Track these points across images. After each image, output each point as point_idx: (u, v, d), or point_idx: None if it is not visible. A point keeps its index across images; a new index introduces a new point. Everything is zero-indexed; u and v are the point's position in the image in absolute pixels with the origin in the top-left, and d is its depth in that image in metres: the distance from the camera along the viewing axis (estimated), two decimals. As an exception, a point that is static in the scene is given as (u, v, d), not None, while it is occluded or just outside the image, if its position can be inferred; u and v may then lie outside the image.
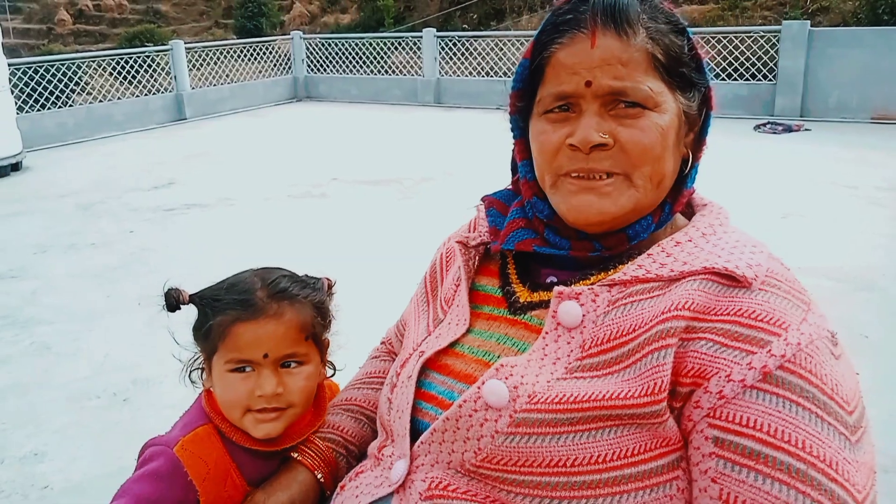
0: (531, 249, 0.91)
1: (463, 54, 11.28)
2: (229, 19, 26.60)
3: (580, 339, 0.80)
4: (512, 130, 0.97)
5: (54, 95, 9.12)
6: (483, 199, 1.06)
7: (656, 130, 0.82)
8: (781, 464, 0.68)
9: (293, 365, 1.06)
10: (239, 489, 1.04)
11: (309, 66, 12.60)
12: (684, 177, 0.90)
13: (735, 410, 0.71)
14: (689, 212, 0.94)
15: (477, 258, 1.01)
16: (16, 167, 7.49)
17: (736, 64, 9.25)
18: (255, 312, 1.04)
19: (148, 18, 31.03)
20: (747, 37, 9.21)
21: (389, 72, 12.09)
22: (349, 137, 9.05)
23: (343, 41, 12.43)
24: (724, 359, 0.72)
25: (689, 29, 0.87)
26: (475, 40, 11.34)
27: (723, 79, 9.49)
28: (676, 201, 0.90)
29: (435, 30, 11.54)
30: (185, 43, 11.03)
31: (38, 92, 8.96)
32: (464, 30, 14.79)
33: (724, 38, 9.36)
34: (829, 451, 0.68)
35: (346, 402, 1.17)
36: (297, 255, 4.67)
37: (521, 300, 0.91)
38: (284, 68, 12.51)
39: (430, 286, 1.08)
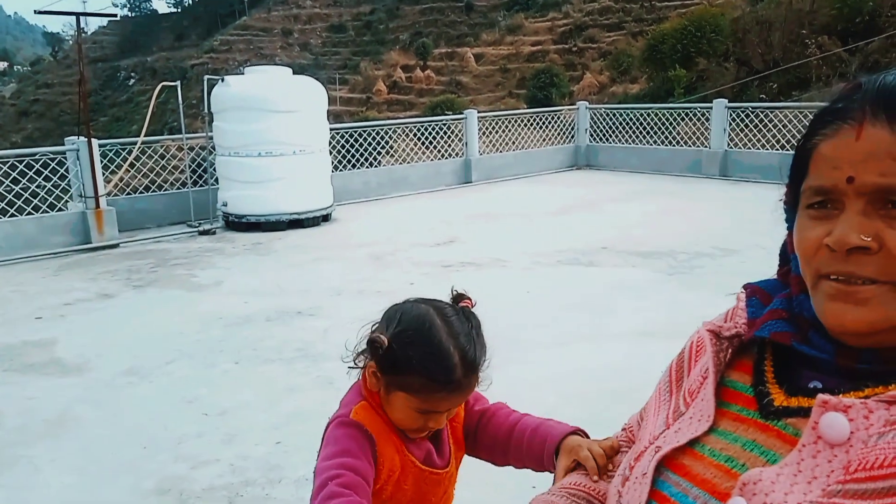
0: (788, 343, 0.83)
1: (756, 126, 10.69)
2: (522, 90, 28.09)
3: (844, 459, 0.70)
4: (786, 221, 0.90)
5: (363, 157, 10.34)
6: (745, 288, 0.99)
7: None
8: None
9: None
10: (402, 449, 1.26)
11: (592, 135, 12.82)
12: None
13: None
14: None
15: (730, 351, 0.93)
16: (326, 218, 8.61)
17: None
18: (455, 387, 1.22)
19: (450, 89, 34.05)
20: None
21: (674, 143, 11.84)
22: (625, 207, 8.99)
23: (628, 111, 12.47)
24: None
25: None
26: (770, 112, 10.69)
27: None
28: None
29: (726, 100, 11.09)
30: (478, 112, 11.87)
31: (350, 154, 10.24)
32: (761, 100, 14.02)
33: None
34: None
35: (574, 486, 1.15)
36: (556, 321, 4.73)
37: (776, 403, 0.82)
38: (568, 137, 12.86)
39: (675, 375, 1.01)
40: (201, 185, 8.85)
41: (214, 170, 8.57)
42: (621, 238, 7.11)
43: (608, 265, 6.21)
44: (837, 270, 0.76)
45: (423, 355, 1.21)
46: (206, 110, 8.62)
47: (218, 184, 8.51)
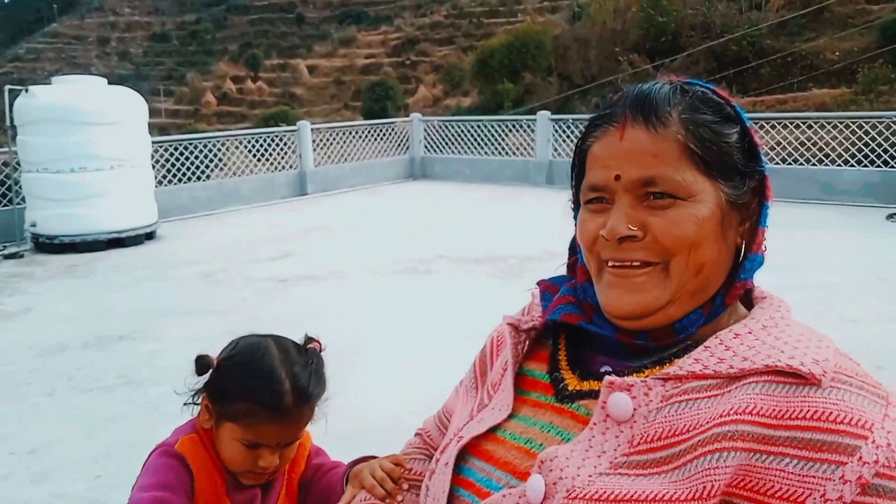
0: (577, 323, 0.91)
1: (577, 137, 11.39)
2: (358, 102, 28.23)
3: (629, 434, 0.77)
4: (574, 218, 0.98)
5: (191, 171, 9.88)
6: (539, 284, 1.06)
7: (690, 219, 0.81)
8: None
9: (292, 443, 1.26)
10: (221, 491, 1.23)
11: (426, 146, 13.06)
12: (737, 268, 0.87)
13: None
14: (751, 306, 0.90)
15: (528, 343, 0.99)
16: (150, 236, 8.13)
17: (867, 150, 8.87)
18: (283, 415, 1.18)
19: (284, 101, 33.41)
20: (879, 122, 8.84)
21: (504, 153, 12.34)
22: (459, 216, 9.24)
23: (460, 123, 12.84)
24: (814, 476, 0.67)
25: (746, 117, 0.87)
26: (589, 123, 11.45)
27: (852, 165, 9.10)
28: (728, 293, 0.87)
29: (549, 113, 11.73)
30: (312, 124, 11.73)
31: (176, 167, 9.74)
32: (581, 112, 14.98)
33: (854, 123, 9.04)
34: None
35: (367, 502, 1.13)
36: (397, 329, 4.76)
37: (570, 388, 0.88)
38: (403, 148, 13.02)
39: (479, 371, 1.06)
40: (5, 205, 8.07)
41: (20, 188, 7.85)
42: (456, 245, 7.29)
43: (445, 272, 6.35)
44: (613, 256, 0.85)
45: (250, 377, 1.18)
46: (8, 123, 7.87)
47: (25, 203, 7.79)
